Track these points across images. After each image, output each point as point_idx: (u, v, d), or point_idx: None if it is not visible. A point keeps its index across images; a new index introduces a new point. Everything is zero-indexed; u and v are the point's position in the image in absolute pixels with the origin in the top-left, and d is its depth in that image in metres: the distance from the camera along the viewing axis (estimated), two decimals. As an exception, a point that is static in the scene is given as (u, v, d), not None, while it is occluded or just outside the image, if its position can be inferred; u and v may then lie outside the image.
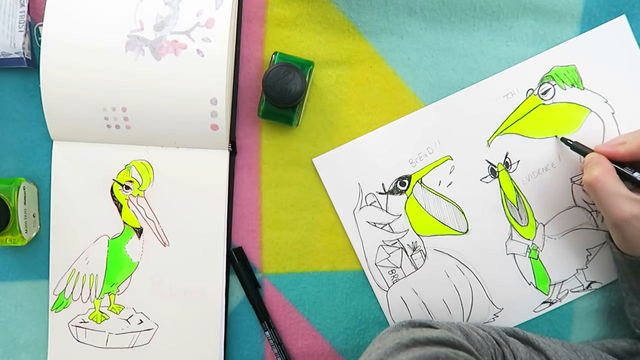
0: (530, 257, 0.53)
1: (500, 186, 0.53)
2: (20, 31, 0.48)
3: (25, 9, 0.49)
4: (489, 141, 0.52)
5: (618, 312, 0.54)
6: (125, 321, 0.52)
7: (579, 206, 0.53)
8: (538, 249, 0.53)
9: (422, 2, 0.50)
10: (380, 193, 0.52)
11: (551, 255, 0.53)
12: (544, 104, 0.52)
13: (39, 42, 0.48)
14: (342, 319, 0.54)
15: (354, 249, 0.53)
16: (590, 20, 0.51)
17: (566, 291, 0.54)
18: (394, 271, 0.53)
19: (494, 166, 0.52)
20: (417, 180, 0.52)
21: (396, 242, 0.53)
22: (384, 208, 0.53)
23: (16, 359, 0.53)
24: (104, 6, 0.47)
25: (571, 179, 0.53)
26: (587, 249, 0.53)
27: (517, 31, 0.51)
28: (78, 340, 0.52)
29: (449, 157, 0.52)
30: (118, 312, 0.51)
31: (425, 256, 0.53)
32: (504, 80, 0.52)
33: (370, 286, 0.53)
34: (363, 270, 0.53)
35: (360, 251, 0.53)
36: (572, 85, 0.52)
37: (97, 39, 0.46)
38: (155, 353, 0.52)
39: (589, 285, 0.54)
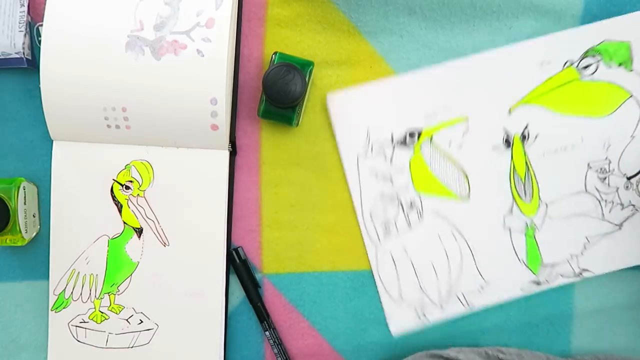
0: (526, 235, 0.51)
1: (512, 158, 0.50)
2: (20, 31, 0.48)
3: (25, 9, 0.49)
4: (512, 109, 0.49)
5: (618, 312, 0.54)
6: (125, 321, 0.51)
7: (589, 192, 0.51)
8: (536, 228, 0.51)
9: (422, 2, 0.50)
10: (387, 142, 0.50)
11: (548, 236, 0.51)
12: (581, 79, 0.48)
13: (39, 42, 0.48)
14: (342, 319, 0.54)
15: (351, 197, 0.51)
16: (591, 20, 0.51)
17: (557, 275, 0.52)
18: (387, 226, 0.51)
19: (510, 136, 0.50)
20: (428, 136, 0.50)
21: (395, 197, 0.51)
22: (389, 159, 0.50)
23: (16, 359, 0.53)
24: (104, 6, 0.47)
25: (588, 164, 0.50)
26: (586, 237, 0.52)
27: (517, 31, 0.51)
28: (78, 340, 0.52)
29: (465, 118, 0.49)
30: (118, 312, 0.51)
31: (421, 216, 0.51)
32: (542, 45, 0.47)
33: (370, 286, 0.53)
34: (363, 270, 0.53)
35: (358, 200, 0.51)
36: (620, 64, 0.48)
37: (97, 39, 0.46)
38: (155, 353, 0.52)
39: (580, 273, 0.52)
